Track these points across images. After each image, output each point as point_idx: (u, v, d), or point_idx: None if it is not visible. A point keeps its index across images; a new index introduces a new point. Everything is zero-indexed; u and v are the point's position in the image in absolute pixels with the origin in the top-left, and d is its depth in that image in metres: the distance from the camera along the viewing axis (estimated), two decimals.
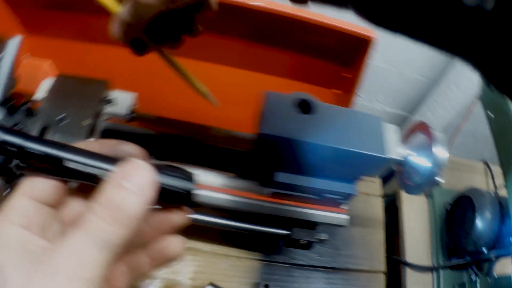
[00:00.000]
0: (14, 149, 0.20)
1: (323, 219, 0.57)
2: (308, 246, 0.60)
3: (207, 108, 0.67)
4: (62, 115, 0.50)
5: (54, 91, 0.52)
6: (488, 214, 0.72)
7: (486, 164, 0.91)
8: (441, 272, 0.77)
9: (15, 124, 0.40)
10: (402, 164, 0.53)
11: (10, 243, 0.19)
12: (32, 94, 0.55)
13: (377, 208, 0.78)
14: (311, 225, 0.59)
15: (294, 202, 0.56)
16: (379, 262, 0.73)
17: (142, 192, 0.20)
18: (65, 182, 0.22)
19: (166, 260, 0.25)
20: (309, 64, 0.57)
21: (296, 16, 0.49)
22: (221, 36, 0.56)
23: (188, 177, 0.23)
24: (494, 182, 0.88)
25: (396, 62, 0.99)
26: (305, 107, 0.47)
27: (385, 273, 0.73)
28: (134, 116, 0.59)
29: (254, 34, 0.55)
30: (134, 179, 0.20)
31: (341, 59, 0.57)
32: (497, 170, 0.92)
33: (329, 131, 0.45)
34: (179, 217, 0.25)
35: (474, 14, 0.17)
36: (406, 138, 0.57)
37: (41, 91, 0.55)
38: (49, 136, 0.44)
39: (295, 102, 0.46)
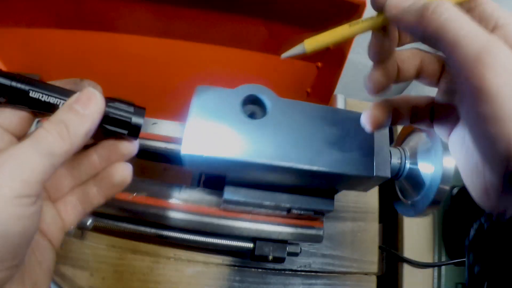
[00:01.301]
0: None
1: (289, 237, 0.45)
2: (279, 260, 0.49)
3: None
4: None
5: None
6: None
7: None
8: (443, 269, 0.67)
9: None
10: (396, 179, 0.39)
11: None
12: None
13: (371, 198, 0.65)
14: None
15: (255, 216, 0.45)
16: (371, 263, 0.62)
17: (88, 114, 0.23)
18: (33, 115, 0.24)
19: (113, 187, 0.27)
20: (287, 34, 0.42)
21: None
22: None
23: (138, 112, 0.25)
24: None
25: None
26: (255, 107, 0.33)
27: (378, 275, 0.62)
28: None
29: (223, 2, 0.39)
30: (83, 104, 0.23)
31: (326, 27, 0.41)
32: None
33: (288, 142, 0.32)
34: (127, 146, 0.26)
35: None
36: (400, 141, 0.43)
37: None
38: None
39: (240, 101, 0.32)
